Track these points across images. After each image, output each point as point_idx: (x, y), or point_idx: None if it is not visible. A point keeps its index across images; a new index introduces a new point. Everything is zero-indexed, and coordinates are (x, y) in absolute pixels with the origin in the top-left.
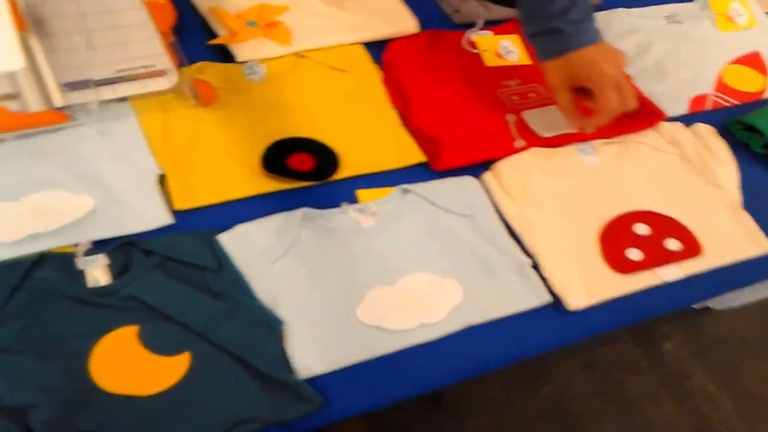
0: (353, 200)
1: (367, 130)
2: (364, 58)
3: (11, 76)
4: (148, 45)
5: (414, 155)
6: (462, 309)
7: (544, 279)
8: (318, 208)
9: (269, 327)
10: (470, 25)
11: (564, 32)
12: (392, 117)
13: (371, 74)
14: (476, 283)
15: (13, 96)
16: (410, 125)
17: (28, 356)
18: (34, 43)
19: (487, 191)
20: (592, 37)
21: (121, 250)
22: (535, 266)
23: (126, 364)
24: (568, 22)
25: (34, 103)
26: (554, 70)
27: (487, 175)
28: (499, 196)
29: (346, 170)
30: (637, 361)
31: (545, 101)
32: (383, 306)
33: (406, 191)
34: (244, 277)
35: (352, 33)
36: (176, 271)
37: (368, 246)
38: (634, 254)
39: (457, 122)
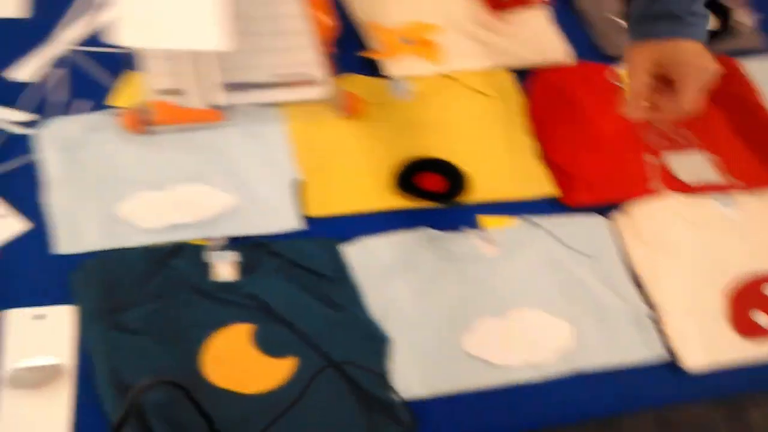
0: (477, 225)
1: (501, 157)
2: (511, 84)
3: (178, 73)
4: (306, 53)
5: (544, 187)
6: (571, 352)
7: (661, 332)
8: (441, 229)
9: (376, 342)
10: (621, 58)
11: (682, 20)
12: (529, 146)
13: (515, 101)
14: (588, 327)
15: (177, 92)
16: (546, 156)
17: (151, 338)
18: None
19: (616, 233)
20: (703, 34)
21: (250, 249)
22: (654, 318)
23: (234, 359)
24: (691, 13)
25: (195, 100)
26: (646, 51)
27: (619, 216)
28: (628, 239)
29: (473, 194)
30: (716, 426)
31: (691, 145)
32: (490, 337)
33: (531, 223)
34: (360, 289)
35: (503, 58)
36: (298, 276)
37: (484, 274)
38: (762, 319)
39: (594, 158)
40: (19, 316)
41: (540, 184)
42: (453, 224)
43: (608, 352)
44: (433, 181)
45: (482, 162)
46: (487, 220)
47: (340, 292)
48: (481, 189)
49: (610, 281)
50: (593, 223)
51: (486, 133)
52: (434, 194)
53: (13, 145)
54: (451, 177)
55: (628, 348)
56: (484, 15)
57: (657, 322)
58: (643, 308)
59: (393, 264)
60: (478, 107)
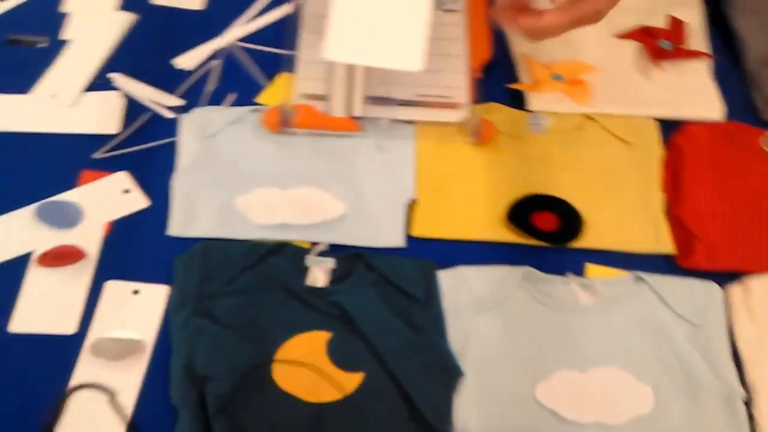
0: (580, 272)
1: (624, 206)
2: (654, 134)
3: (328, 81)
4: (454, 77)
5: (663, 245)
6: (647, 421)
7: (752, 418)
8: (543, 270)
9: (448, 374)
10: None
11: None
12: (656, 200)
13: (653, 151)
14: (673, 399)
15: (321, 97)
16: (672, 213)
17: (231, 331)
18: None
19: (728, 305)
20: None
21: (348, 258)
22: (747, 401)
23: (304, 365)
24: None
25: (337, 109)
26: None
27: (735, 288)
28: (739, 313)
29: (585, 240)
30: None
31: None
32: (566, 390)
33: (639, 279)
34: (445, 317)
35: (652, 107)
36: (387, 293)
37: (575, 324)
38: None
39: (724, 224)
40: (117, 288)
41: (659, 240)
42: (557, 267)
43: (688, 427)
44: (546, 220)
45: (603, 208)
46: (593, 269)
47: (425, 316)
48: (595, 235)
49: (709, 354)
50: (705, 289)
51: (615, 180)
52: (545, 233)
53: (158, 126)
54: (567, 218)
55: (711, 428)
56: (644, 61)
57: (749, 407)
58: (739, 389)
59: (484, 297)
60: (613, 152)
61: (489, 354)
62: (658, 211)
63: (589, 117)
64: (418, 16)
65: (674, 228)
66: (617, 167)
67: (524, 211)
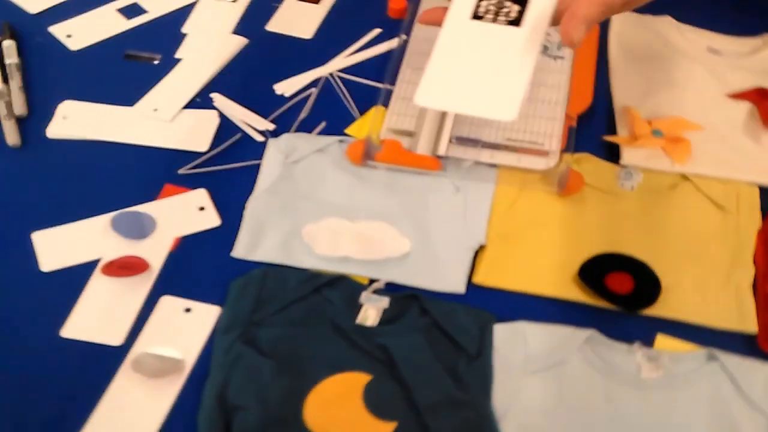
0: (650, 342)
1: (707, 275)
2: (752, 202)
3: (417, 118)
4: (549, 123)
5: (746, 323)
6: None
7: None
8: (609, 336)
9: None
10: None
11: None
12: (745, 273)
13: (749, 220)
14: None
15: (408, 134)
16: (760, 289)
17: (270, 362)
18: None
19: None
20: None
21: (402, 299)
22: None
23: (337, 407)
24: None
25: (422, 147)
26: None
27: None
28: None
29: (660, 307)
30: None
31: None
32: None
33: (713, 357)
34: (493, 374)
35: (757, 173)
36: (437, 341)
37: (632, 399)
38: None
39: None
40: (171, 304)
41: (742, 317)
42: (625, 334)
43: None
44: (621, 282)
45: (684, 275)
46: (663, 340)
47: (472, 371)
48: (672, 304)
49: None
50: None
51: (702, 247)
52: (617, 296)
53: (246, 147)
54: (643, 282)
55: None
56: (755, 124)
57: None
58: None
59: (539, 356)
60: (705, 217)
61: (534, 421)
62: (745, 285)
63: (684, 177)
64: (522, 66)
65: (761, 306)
66: (707, 233)
67: (598, 270)
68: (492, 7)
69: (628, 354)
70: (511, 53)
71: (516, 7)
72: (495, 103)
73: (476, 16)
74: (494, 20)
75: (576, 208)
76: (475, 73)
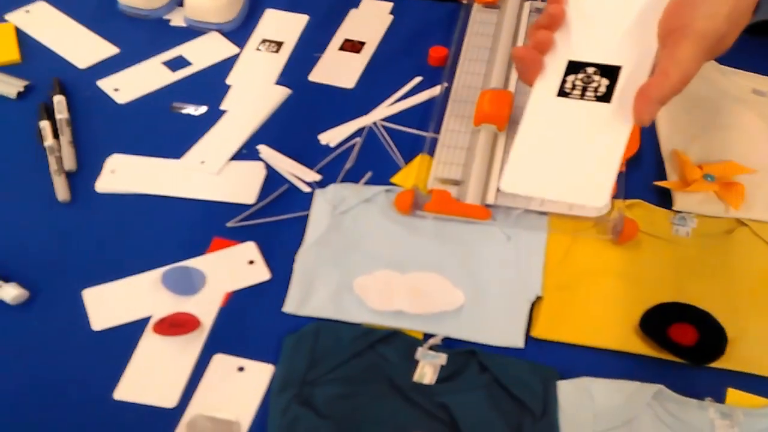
0: (721, 397)
1: None
2: None
3: (465, 166)
4: None
5: None
6: None
7: None
8: (678, 392)
9: None
10: None
11: None
12: None
13: None
14: None
15: (456, 182)
16: None
17: (329, 424)
18: (501, 142)
19: None
20: None
21: (460, 355)
22: None
23: None
24: None
25: (472, 196)
26: None
27: None
28: None
29: (728, 360)
30: None
31: None
32: None
33: None
34: None
35: None
36: (499, 399)
37: None
38: None
39: None
40: (224, 363)
41: None
42: (694, 389)
43: None
44: (684, 333)
45: (751, 325)
46: (735, 395)
47: (538, 431)
48: (740, 356)
49: None
50: None
51: (766, 295)
52: (682, 348)
53: (293, 198)
54: (708, 333)
55: None
56: None
57: None
58: None
59: (607, 415)
60: (766, 264)
61: None
62: None
63: (740, 222)
64: (612, 147)
65: None
66: None
67: (660, 321)
68: (579, 83)
69: (699, 410)
70: (601, 133)
71: (605, 81)
72: (584, 189)
73: (562, 93)
74: (582, 96)
75: (632, 256)
76: (563, 155)
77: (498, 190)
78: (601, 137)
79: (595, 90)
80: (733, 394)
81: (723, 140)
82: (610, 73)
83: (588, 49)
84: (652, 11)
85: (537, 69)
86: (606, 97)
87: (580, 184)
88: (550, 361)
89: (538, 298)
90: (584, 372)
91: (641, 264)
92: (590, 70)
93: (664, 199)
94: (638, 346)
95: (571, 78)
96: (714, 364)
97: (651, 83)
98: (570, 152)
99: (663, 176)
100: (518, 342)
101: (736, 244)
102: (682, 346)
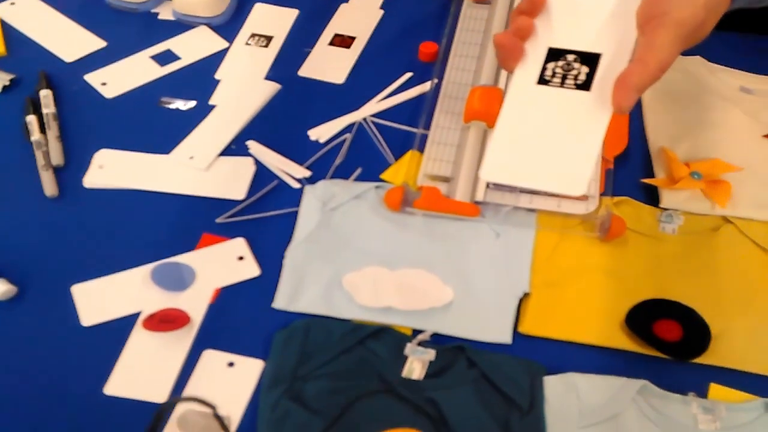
0: (703, 392)
1: (759, 321)
2: None
3: (454, 163)
4: None
5: None
6: None
7: None
8: (662, 387)
9: None
10: None
11: None
12: None
13: None
14: None
15: (446, 179)
16: None
17: (318, 419)
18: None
19: None
20: None
21: (448, 351)
22: None
23: None
24: None
25: (461, 193)
26: None
27: None
28: None
29: (711, 356)
30: None
31: None
32: None
33: None
34: (546, 429)
35: None
36: (487, 394)
37: None
38: None
39: None
40: (214, 358)
41: None
42: (677, 384)
43: None
44: (669, 329)
45: (734, 322)
46: (717, 390)
47: (525, 425)
48: (723, 352)
49: None
50: None
51: (750, 291)
52: (666, 344)
53: (282, 195)
54: (692, 329)
55: None
56: None
57: None
58: None
59: (592, 409)
60: (751, 260)
61: None
62: None
63: (726, 219)
64: (591, 136)
65: None
66: (754, 277)
67: (645, 318)
68: (560, 70)
69: (683, 405)
70: (580, 122)
71: (585, 69)
72: (563, 177)
73: (543, 80)
74: (562, 84)
75: (618, 253)
76: (542, 144)
77: (487, 186)
78: (580, 125)
79: (575, 78)
80: (715, 389)
81: (710, 138)
82: (590, 60)
83: (568, 36)
84: None
85: (518, 56)
86: (586, 85)
87: (559, 173)
88: (538, 356)
89: (526, 295)
90: (571, 367)
91: (628, 261)
92: (570, 57)
93: (651, 196)
94: (624, 341)
95: (551, 65)
96: (698, 360)
97: (630, 71)
98: (549, 141)
99: (650, 174)
100: (506, 338)
101: (722, 242)
102: (667, 341)
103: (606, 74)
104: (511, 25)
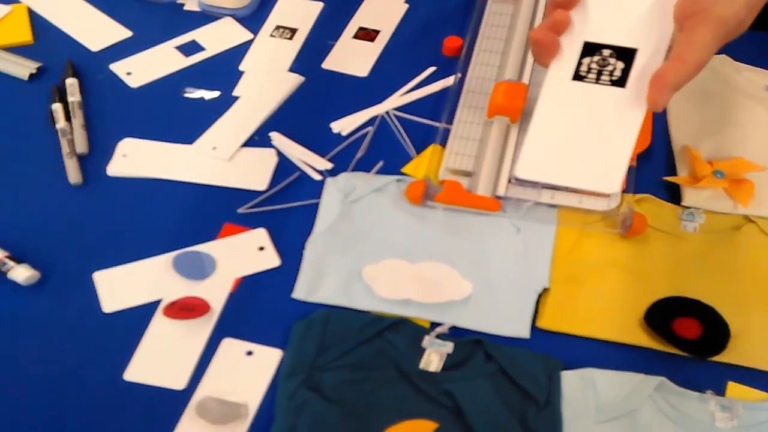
0: (721, 390)
1: None
2: None
3: (476, 158)
4: None
5: None
6: None
7: None
8: (680, 384)
9: None
10: None
11: None
12: None
13: None
14: None
15: (467, 174)
16: None
17: (337, 409)
18: (514, 134)
19: None
20: None
21: (466, 344)
22: None
23: None
24: None
25: (483, 188)
26: None
27: None
28: None
29: (730, 354)
30: None
31: None
32: None
33: None
34: (562, 423)
35: None
36: (504, 388)
37: None
38: None
39: None
40: (233, 347)
41: None
42: (695, 382)
43: None
44: (688, 327)
45: (754, 321)
46: (735, 389)
47: (541, 420)
48: (742, 351)
49: None
50: None
51: None
52: (685, 342)
53: (304, 186)
54: (711, 328)
55: None
56: None
57: None
58: None
59: (609, 405)
60: None
61: None
62: None
63: (748, 219)
64: (625, 133)
65: None
66: None
67: (665, 315)
68: (595, 66)
69: (700, 402)
70: (615, 119)
71: (620, 65)
72: (597, 175)
73: (578, 76)
74: (597, 80)
75: (639, 250)
76: (576, 141)
77: (509, 181)
78: (615, 123)
79: (611, 73)
80: (733, 388)
81: (734, 137)
82: (626, 55)
83: (604, 30)
84: None
85: (553, 51)
86: (621, 82)
87: (593, 171)
88: (555, 351)
89: (545, 290)
90: (588, 363)
91: (648, 258)
92: (606, 52)
93: (673, 194)
94: (642, 338)
95: (586, 60)
96: (716, 358)
97: (667, 68)
98: (584, 138)
99: (673, 172)
100: (524, 332)
101: (743, 241)
102: (686, 339)
103: (642, 70)
104: (547, 19)
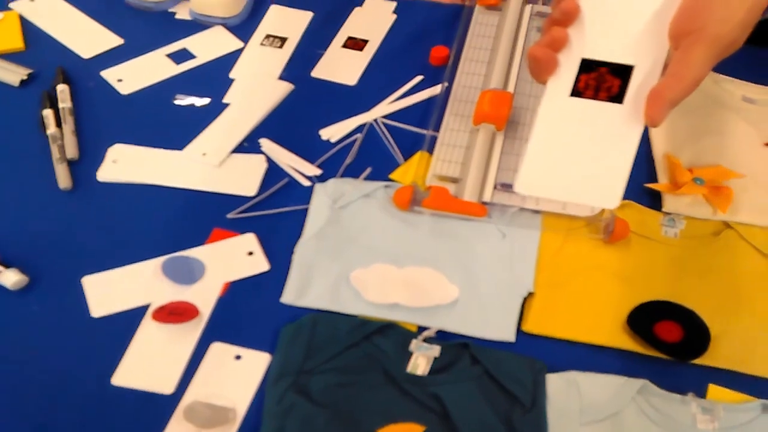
0: (702, 392)
1: (757, 325)
2: None
3: (463, 164)
4: None
5: None
6: None
7: None
8: (662, 386)
9: None
10: None
11: None
12: None
13: None
14: None
15: (454, 180)
16: None
17: (324, 412)
18: (499, 141)
19: None
20: None
21: (453, 347)
22: None
23: None
24: None
25: (469, 193)
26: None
27: None
28: None
29: (710, 357)
30: None
31: None
32: None
33: (767, 408)
34: (548, 425)
35: None
36: (489, 391)
37: None
38: None
39: None
40: (221, 351)
41: None
42: (676, 384)
43: None
44: (669, 330)
45: (733, 325)
46: (716, 391)
47: (527, 422)
48: (722, 354)
49: None
50: None
51: (749, 295)
52: (667, 345)
53: (293, 192)
54: (692, 331)
55: None
56: None
57: None
58: None
59: (593, 407)
60: (750, 265)
61: None
62: None
63: (727, 225)
64: (624, 148)
65: None
66: (753, 281)
67: (647, 319)
68: (592, 82)
69: (682, 405)
70: (613, 134)
71: (617, 81)
72: (596, 190)
73: (576, 92)
74: (595, 96)
75: (622, 255)
76: (575, 157)
77: (495, 187)
78: (613, 139)
79: (608, 90)
80: (714, 390)
81: (713, 145)
82: (623, 72)
83: (601, 48)
84: (664, 10)
85: (552, 68)
86: (618, 98)
87: (592, 186)
88: (540, 354)
89: (530, 294)
90: (573, 366)
91: (630, 263)
92: (603, 69)
93: (654, 200)
94: (625, 342)
95: (584, 77)
96: (697, 361)
97: (664, 85)
98: (583, 153)
99: (654, 179)
100: (510, 336)
101: (722, 246)
102: (668, 342)
103: (639, 87)
104: (545, 36)
